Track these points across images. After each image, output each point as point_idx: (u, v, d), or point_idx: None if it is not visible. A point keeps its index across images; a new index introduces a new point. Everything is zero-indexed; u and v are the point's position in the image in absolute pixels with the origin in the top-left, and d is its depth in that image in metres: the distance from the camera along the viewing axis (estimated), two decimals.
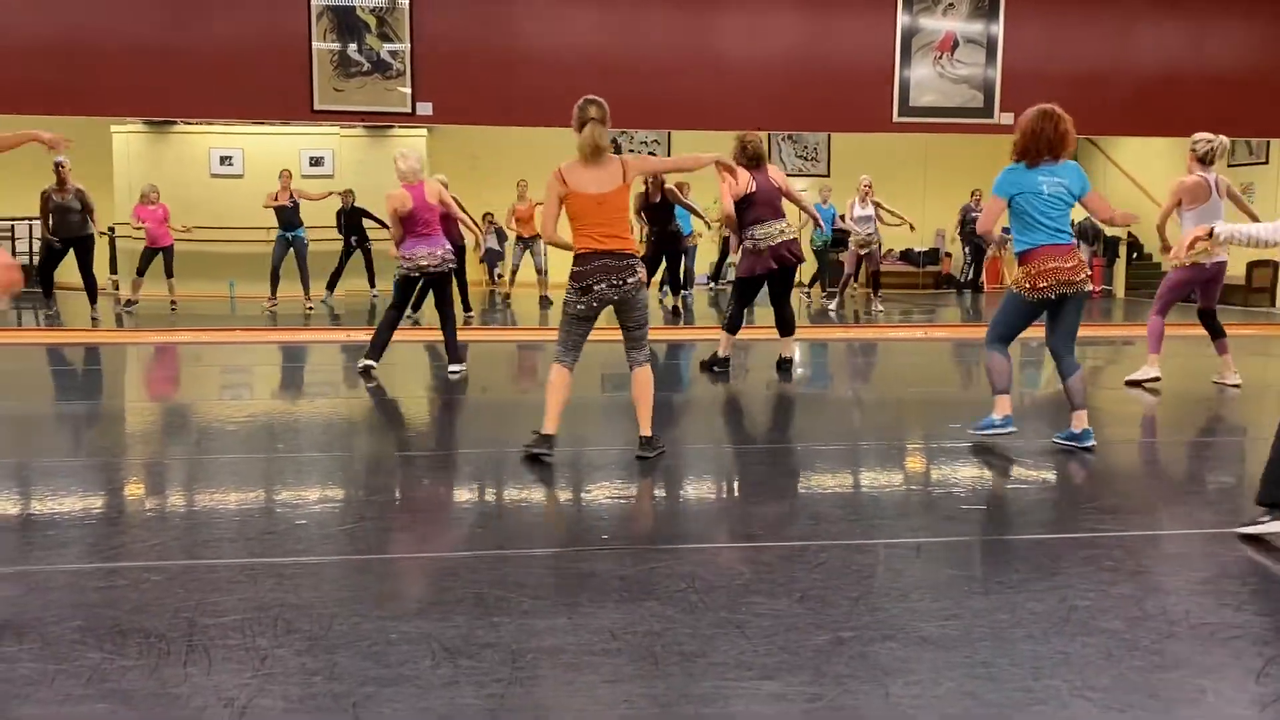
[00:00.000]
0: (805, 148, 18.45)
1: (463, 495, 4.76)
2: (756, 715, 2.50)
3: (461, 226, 9.42)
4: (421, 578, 3.53)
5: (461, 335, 10.03)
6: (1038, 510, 4.51)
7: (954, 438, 5.68)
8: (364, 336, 10.53)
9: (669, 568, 3.53)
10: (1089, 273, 5.28)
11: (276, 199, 12.92)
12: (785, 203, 7.70)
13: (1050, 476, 5.02)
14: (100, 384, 8.48)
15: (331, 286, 13.89)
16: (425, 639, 2.90)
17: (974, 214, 15.45)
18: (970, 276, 16.71)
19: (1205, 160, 6.99)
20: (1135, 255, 17.34)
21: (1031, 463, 5.19)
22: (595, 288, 4.92)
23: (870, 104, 10.94)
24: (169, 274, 12.85)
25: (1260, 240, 4.15)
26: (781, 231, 7.49)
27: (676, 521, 4.33)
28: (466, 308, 11.46)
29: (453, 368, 7.79)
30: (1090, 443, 5.30)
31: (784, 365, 7.89)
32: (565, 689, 2.62)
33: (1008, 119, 10.97)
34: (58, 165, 10.99)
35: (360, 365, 7.68)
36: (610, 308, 5.06)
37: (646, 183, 10.93)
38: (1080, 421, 5.35)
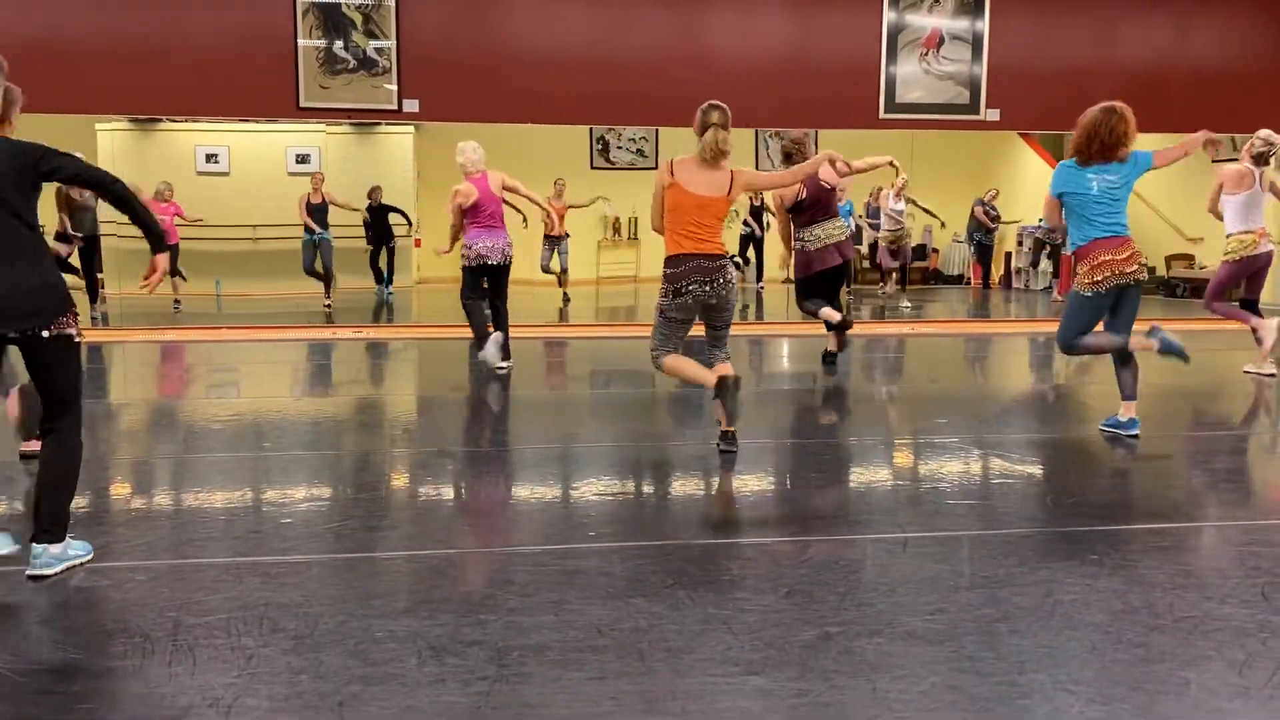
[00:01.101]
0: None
1: (449, 493, 4.76)
2: (743, 711, 2.51)
3: (527, 205, 8.91)
4: (408, 576, 3.52)
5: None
6: (1023, 505, 4.53)
7: (940, 433, 5.70)
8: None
9: (656, 564, 3.54)
10: (1144, 261, 5.34)
11: (309, 200, 12.86)
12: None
13: (1035, 471, 5.04)
14: (87, 383, 8.43)
15: (389, 281, 14.13)
16: (411, 637, 2.90)
17: (989, 210, 15.58)
18: (982, 275, 16.79)
19: (1259, 161, 7.23)
20: None
21: (1017, 457, 5.21)
22: (690, 289, 4.92)
23: (857, 100, 10.94)
24: (173, 273, 12.75)
25: None
26: (830, 234, 7.51)
27: (663, 518, 4.33)
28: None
29: (502, 364, 7.68)
30: (1134, 431, 5.46)
31: (829, 359, 8.01)
32: (552, 686, 2.62)
33: (993, 115, 11.01)
34: None
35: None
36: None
37: None
38: (1128, 411, 5.49)
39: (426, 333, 10.66)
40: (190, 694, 2.56)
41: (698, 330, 5.28)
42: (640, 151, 17.52)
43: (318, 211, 12.87)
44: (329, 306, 12.82)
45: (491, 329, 7.62)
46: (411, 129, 15.44)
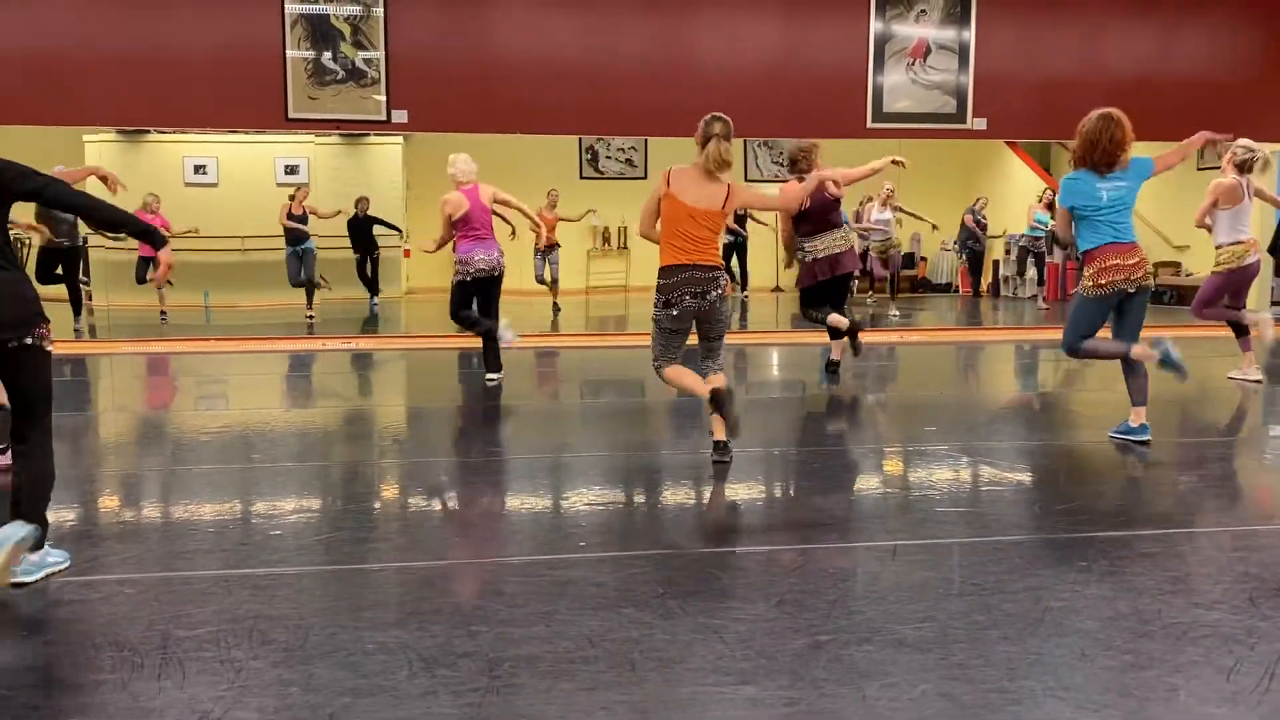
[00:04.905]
0: (781, 154, 18.52)
1: (439, 504, 4.75)
2: None
3: (520, 218, 8.91)
4: (398, 587, 3.51)
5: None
6: (1012, 512, 4.54)
7: (930, 441, 5.71)
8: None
9: (646, 574, 3.54)
10: (1150, 269, 5.42)
11: (290, 213, 12.83)
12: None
13: (1024, 478, 5.05)
14: (74, 395, 8.40)
15: (375, 292, 14.04)
16: (402, 649, 2.89)
17: (978, 218, 15.66)
18: (972, 283, 16.84)
19: (1243, 169, 7.29)
20: None
21: (1006, 465, 5.23)
22: (681, 301, 4.92)
23: (844, 110, 10.97)
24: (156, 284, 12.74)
25: None
26: (832, 245, 7.49)
27: (653, 528, 4.33)
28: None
29: (490, 376, 7.65)
30: (1145, 437, 5.51)
31: (831, 368, 8.02)
32: (543, 697, 2.62)
33: (980, 124, 11.05)
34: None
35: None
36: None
37: None
38: (1138, 417, 5.53)
39: (415, 344, 10.66)
40: (179, 707, 2.55)
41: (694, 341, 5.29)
42: (629, 161, 17.56)
43: (299, 223, 12.84)
44: (311, 318, 12.76)
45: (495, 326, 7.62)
46: (400, 140, 15.44)
